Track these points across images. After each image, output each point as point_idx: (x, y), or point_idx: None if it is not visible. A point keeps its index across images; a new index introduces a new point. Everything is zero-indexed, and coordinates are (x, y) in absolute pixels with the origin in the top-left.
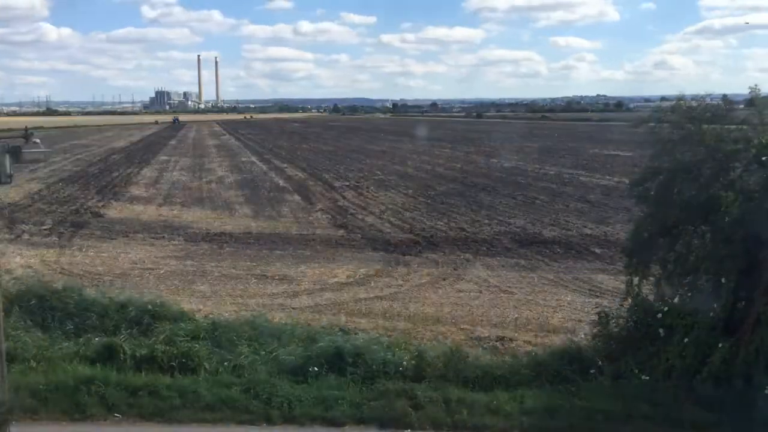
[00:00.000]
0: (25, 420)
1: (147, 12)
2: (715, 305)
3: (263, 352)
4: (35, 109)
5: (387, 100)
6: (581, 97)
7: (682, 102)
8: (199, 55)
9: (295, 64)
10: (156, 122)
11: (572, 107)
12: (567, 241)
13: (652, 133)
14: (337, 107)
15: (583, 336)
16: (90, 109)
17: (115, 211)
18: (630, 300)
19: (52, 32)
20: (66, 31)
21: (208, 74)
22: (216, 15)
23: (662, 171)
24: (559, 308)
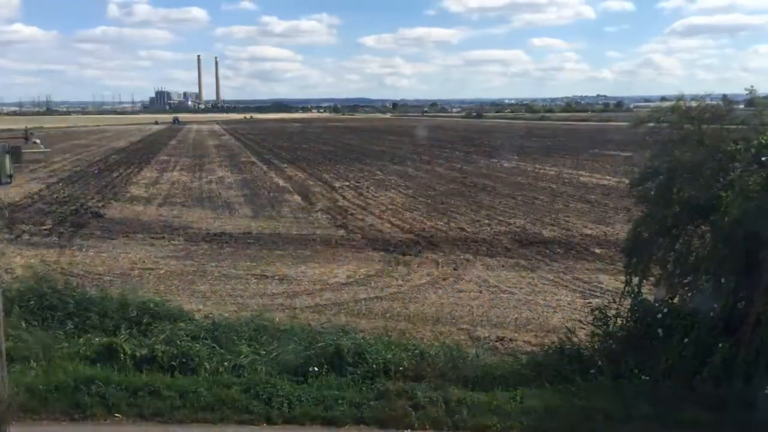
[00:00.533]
0: (25, 420)
1: (149, 12)
2: (715, 305)
3: (263, 352)
4: (35, 109)
5: (387, 100)
6: (581, 97)
7: (681, 102)
8: (198, 56)
9: (293, 64)
10: (156, 122)
11: (572, 107)
12: (567, 241)
13: (651, 133)
14: (337, 107)
15: (583, 336)
16: (90, 109)
17: (115, 211)
18: (630, 300)
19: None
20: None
21: (207, 75)
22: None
23: (662, 171)
24: (559, 308)
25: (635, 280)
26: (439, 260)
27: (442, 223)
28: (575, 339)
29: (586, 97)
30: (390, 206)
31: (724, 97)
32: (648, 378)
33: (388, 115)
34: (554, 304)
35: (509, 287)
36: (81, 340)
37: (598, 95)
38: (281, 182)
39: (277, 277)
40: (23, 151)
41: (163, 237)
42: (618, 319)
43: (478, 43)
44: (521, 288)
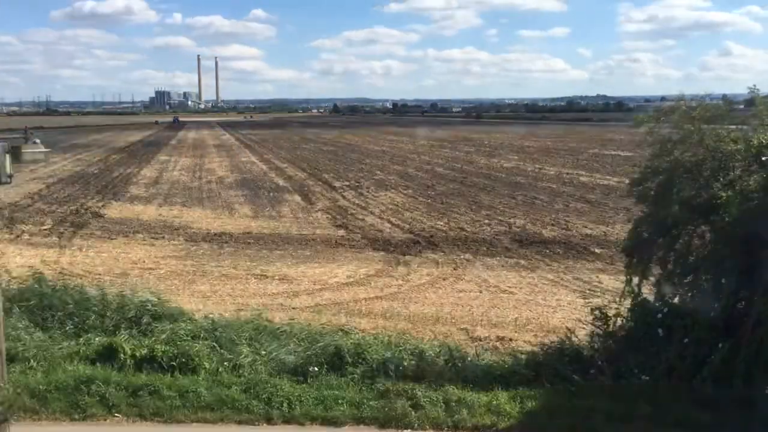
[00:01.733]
0: (25, 420)
1: (151, 13)
2: (715, 305)
3: (263, 352)
4: (35, 109)
5: (387, 100)
6: (581, 97)
7: (681, 102)
8: (198, 56)
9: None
10: (156, 122)
11: (572, 107)
12: (567, 241)
13: (651, 133)
14: (336, 107)
15: (583, 336)
16: (90, 109)
17: (115, 211)
18: (630, 300)
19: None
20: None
21: (207, 75)
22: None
23: (662, 171)
24: (559, 308)
25: (635, 280)
26: (439, 260)
27: (442, 223)
28: (575, 339)
29: (586, 97)
30: (390, 206)
31: (724, 96)
32: (648, 378)
33: (387, 116)
34: (554, 304)
35: (509, 287)
36: (81, 340)
37: (597, 95)
38: (281, 182)
39: (277, 277)
40: (23, 151)
41: (163, 237)
42: (618, 319)
43: (475, 42)
44: (521, 288)
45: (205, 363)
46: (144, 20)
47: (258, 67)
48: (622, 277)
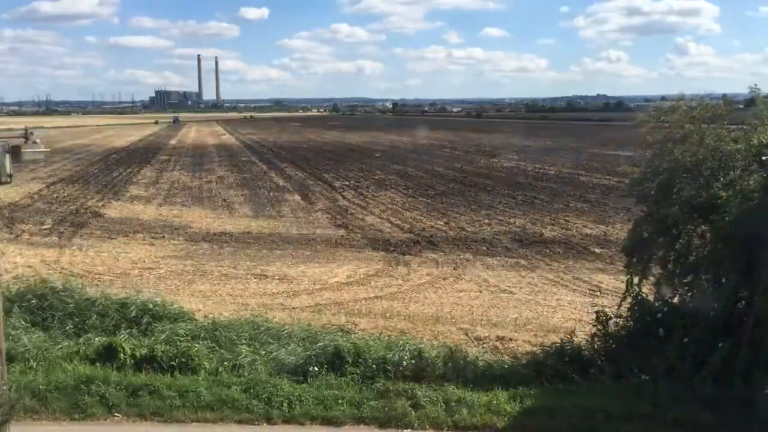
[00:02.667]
0: (25, 420)
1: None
2: (715, 305)
3: (263, 352)
4: (35, 109)
5: (387, 100)
6: (581, 96)
7: (681, 102)
8: (199, 55)
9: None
10: (156, 122)
11: (573, 107)
12: (567, 241)
13: (652, 133)
14: (336, 107)
15: (583, 336)
16: (90, 108)
17: (115, 210)
18: (630, 300)
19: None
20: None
21: (208, 74)
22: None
23: (662, 171)
24: (559, 308)
25: (635, 279)
26: (439, 260)
27: (441, 223)
28: (575, 339)
29: (586, 96)
30: (390, 206)
31: (724, 96)
32: (648, 378)
33: (388, 115)
34: (554, 304)
35: (509, 287)
36: (81, 339)
37: (597, 94)
38: (281, 182)
39: (277, 277)
40: (23, 150)
41: (163, 237)
42: (618, 319)
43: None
44: (521, 288)
45: (204, 363)
46: (124, 23)
47: (242, 67)
48: (622, 277)
